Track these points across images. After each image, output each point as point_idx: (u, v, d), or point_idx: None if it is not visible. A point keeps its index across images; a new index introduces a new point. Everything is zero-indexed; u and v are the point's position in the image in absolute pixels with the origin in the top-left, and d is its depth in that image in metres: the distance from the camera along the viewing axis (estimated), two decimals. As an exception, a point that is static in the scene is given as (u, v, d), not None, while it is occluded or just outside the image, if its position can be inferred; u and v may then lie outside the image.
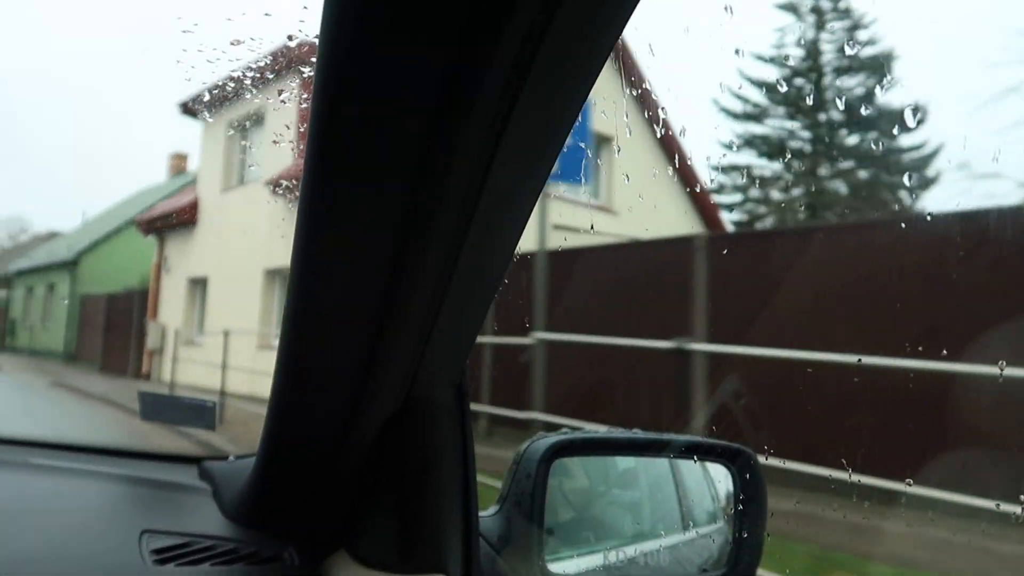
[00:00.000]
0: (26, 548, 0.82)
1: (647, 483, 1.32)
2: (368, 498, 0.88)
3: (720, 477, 1.23)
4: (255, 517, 0.96)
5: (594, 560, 1.07)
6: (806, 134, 19.17)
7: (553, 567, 0.97)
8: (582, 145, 1.03)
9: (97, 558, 0.84)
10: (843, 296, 4.98)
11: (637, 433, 1.08)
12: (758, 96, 18.99)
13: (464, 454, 0.87)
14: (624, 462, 1.32)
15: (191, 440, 6.40)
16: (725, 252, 6.19)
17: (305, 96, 0.67)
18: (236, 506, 0.98)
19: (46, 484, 1.00)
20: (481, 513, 0.94)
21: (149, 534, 0.89)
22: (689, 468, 1.34)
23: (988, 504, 3.48)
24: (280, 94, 1.07)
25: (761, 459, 1.11)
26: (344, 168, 0.62)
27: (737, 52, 1.72)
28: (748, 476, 1.07)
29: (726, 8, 0.90)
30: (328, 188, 0.63)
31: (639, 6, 0.54)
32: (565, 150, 0.66)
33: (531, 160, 0.65)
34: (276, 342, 0.78)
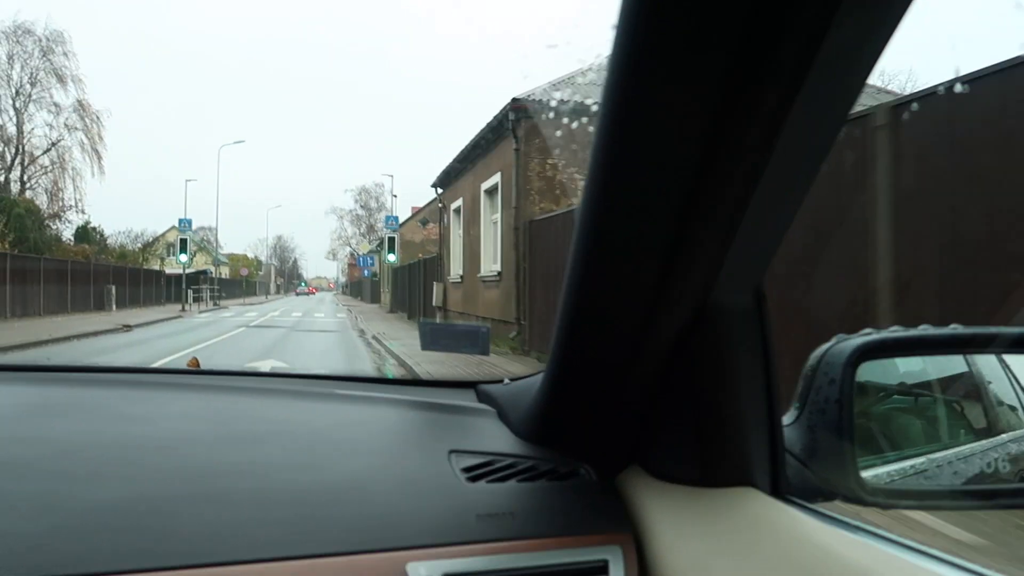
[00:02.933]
0: (354, 468, 0.89)
1: (942, 383, 1.19)
2: (663, 411, 0.85)
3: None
4: (546, 435, 0.97)
5: (904, 467, 0.98)
6: None
7: (866, 475, 0.89)
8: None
9: (417, 475, 0.89)
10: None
11: (957, 328, 0.96)
12: None
13: (766, 362, 0.81)
14: (911, 363, 1.19)
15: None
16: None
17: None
18: (526, 425, 1.00)
19: (355, 411, 1.09)
20: None
21: (456, 453, 0.94)
22: (987, 364, 1.19)
23: None
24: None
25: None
26: (653, 47, 0.55)
27: None
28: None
29: None
30: (635, 75, 0.57)
31: None
32: None
33: (868, 22, 0.55)
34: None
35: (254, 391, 1.16)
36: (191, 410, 1.05)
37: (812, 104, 0.57)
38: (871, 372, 1.15)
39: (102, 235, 40.74)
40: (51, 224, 35.33)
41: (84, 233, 37.89)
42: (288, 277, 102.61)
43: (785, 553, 0.71)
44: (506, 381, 1.17)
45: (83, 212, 38.45)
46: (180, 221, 34.24)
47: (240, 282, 63.68)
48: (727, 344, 0.79)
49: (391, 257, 23.76)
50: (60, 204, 37.15)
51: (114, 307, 28.04)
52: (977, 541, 2.16)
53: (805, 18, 0.52)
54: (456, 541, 0.78)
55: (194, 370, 1.41)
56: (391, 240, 23.67)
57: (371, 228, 63.07)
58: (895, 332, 0.91)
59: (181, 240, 31.41)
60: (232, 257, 76.59)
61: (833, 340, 0.90)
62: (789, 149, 0.60)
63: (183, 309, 30.93)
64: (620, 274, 0.73)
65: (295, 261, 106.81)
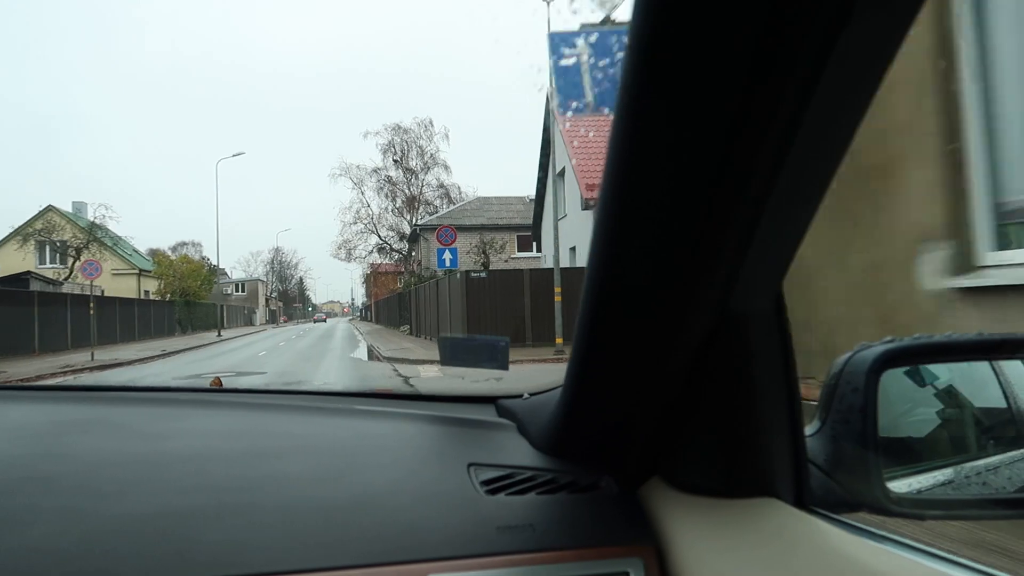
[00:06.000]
0: (375, 481, 0.89)
1: (968, 392, 1.17)
2: (684, 422, 0.85)
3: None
4: (566, 448, 0.97)
5: (930, 478, 0.97)
6: None
7: (892, 486, 0.88)
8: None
9: (436, 488, 0.89)
10: None
11: (984, 334, 0.94)
12: None
13: (787, 370, 0.80)
14: (936, 372, 1.17)
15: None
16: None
17: None
18: (545, 438, 1.00)
19: (374, 426, 1.09)
20: None
21: (475, 467, 0.94)
22: (1016, 371, 1.17)
23: None
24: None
25: None
26: (672, 49, 0.56)
27: None
28: None
29: None
30: (652, 82, 0.58)
31: None
32: None
33: (880, 35, 0.55)
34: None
35: (275, 407, 1.17)
36: (213, 427, 1.06)
37: (830, 101, 0.57)
38: (894, 381, 1.14)
39: None
40: None
41: None
42: (288, 301, 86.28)
43: (809, 563, 0.70)
44: (526, 396, 1.17)
45: None
46: None
47: (187, 306, 42.03)
48: (746, 351, 0.78)
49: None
50: None
51: None
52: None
53: (823, 13, 0.52)
54: (476, 553, 0.78)
55: (216, 388, 1.42)
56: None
57: (412, 201, 33.84)
58: (919, 339, 0.90)
59: None
60: (158, 257, 48.57)
61: (856, 347, 0.89)
62: (808, 148, 0.60)
63: None
64: (637, 282, 0.73)
65: (301, 280, 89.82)
